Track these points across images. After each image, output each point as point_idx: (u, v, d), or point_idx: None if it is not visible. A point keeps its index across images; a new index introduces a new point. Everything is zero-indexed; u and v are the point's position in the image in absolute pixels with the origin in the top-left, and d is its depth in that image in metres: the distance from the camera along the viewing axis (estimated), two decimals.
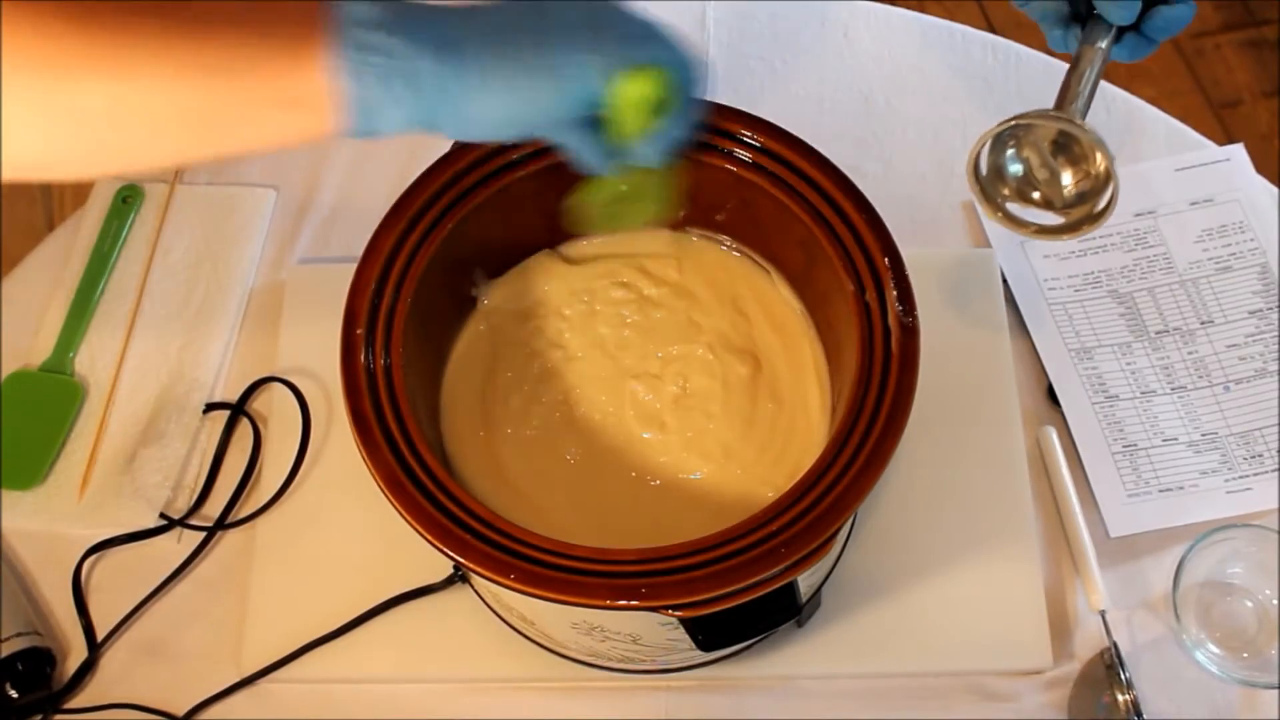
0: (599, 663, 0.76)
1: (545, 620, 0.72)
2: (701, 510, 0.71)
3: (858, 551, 0.80)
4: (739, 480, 0.71)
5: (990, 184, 0.75)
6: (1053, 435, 0.84)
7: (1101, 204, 0.73)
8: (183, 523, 0.83)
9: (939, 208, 0.94)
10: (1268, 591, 0.77)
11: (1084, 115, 0.69)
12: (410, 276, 0.68)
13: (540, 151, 0.71)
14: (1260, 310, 0.88)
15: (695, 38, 1.00)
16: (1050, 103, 0.70)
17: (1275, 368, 0.86)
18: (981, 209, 0.76)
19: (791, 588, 0.63)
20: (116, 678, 0.80)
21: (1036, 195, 0.76)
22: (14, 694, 0.76)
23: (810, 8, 1.02)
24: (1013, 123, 0.70)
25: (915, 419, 0.63)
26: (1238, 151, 0.94)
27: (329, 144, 0.97)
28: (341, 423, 0.83)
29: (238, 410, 0.87)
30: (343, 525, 0.82)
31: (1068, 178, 0.75)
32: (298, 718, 0.78)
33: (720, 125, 0.71)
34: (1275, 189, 0.93)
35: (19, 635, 0.78)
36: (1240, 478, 0.83)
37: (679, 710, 0.77)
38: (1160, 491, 0.82)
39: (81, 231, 0.94)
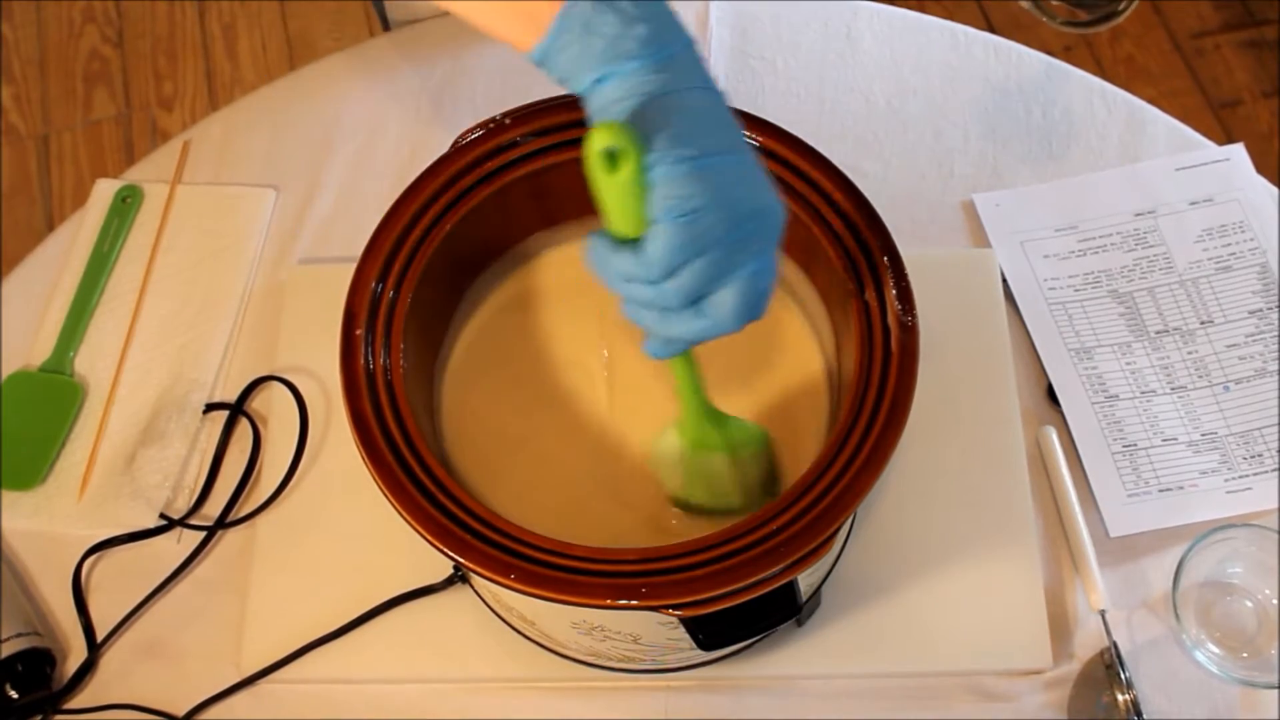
0: (599, 663, 0.76)
1: (545, 620, 0.72)
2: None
3: (858, 551, 0.80)
4: None
5: None
6: (1053, 435, 0.84)
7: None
8: (183, 523, 0.83)
9: (939, 208, 0.94)
10: (1267, 591, 0.77)
11: None
12: (410, 276, 0.68)
13: (538, 152, 0.71)
14: (1260, 310, 0.88)
15: (697, 37, 1.00)
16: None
17: (1275, 368, 0.86)
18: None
19: (791, 587, 0.63)
20: (116, 678, 0.80)
21: None
22: (14, 694, 0.77)
23: (812, 8, 1.02)
24: None
25: (915, 419, 0.63)
26: (1238, 151, 0.94)
27: (329, 144, 0.98)
28: (341, 423, 0.83)
29: (237, 410, 0.87)
30: (343, 525, 0.82)
31: None
32: (298, 718, 0.78)
33: None
34: (1275, 189, 0.93)
35: (19, 635, 0.78)
36: (1240, 478, 0.82)
37: (679, 710, 0.77)
38: (1160, 491, 0.82)
39: (81, 231, 0.94)
